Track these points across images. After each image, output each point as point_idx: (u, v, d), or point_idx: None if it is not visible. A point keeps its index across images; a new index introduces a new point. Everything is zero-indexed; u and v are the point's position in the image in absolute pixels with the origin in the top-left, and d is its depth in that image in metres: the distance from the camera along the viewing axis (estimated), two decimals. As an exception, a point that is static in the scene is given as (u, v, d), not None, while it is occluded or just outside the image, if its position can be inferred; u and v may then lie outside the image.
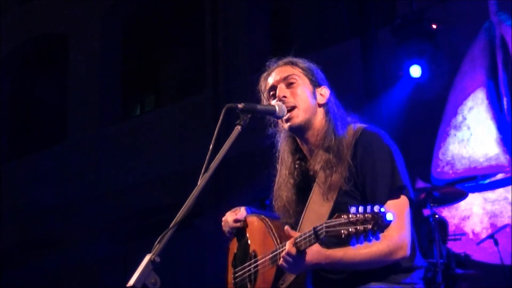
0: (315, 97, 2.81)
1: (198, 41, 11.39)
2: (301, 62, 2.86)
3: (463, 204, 7.06)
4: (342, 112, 2.84)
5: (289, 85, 2.80)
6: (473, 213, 7.38)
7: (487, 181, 7.38)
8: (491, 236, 6.42)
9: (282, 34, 11.19)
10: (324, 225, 2.37)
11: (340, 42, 9.30)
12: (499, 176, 7.32)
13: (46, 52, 13.27)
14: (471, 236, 7.21)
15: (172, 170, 10.61)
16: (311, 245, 2.48)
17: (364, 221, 2.24)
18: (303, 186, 2.84)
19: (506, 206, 7.18)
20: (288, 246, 2.53)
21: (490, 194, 7.34)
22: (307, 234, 2.48)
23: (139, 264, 2.26)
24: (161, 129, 11.18)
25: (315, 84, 2.82)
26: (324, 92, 2.83)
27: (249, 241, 2.97)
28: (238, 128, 2.63)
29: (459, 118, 7.70)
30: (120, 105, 12.42)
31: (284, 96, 2.78)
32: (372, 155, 2.68)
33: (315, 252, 2.53)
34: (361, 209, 2.26)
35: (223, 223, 3.08)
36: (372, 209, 2.24)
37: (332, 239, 2.39)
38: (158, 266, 2.26)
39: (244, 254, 2.98)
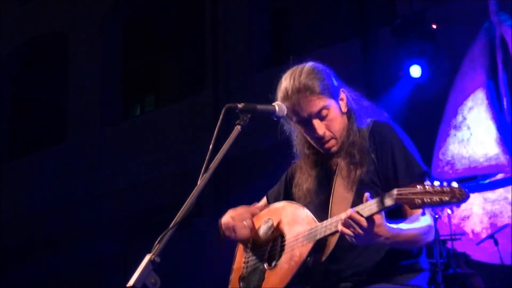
0: (341, 110, 2.85)
1: (198, 41, 11.39)
2: (316, 83, 2.80)
3: (463, 204, 7.06)
4: (359, 103, 2.89)
5: (322, 117, 2.80)
6: (473, 213, 7.38)
7: (487, 181, 7.38)
8: (491, 236, 6.42)
9: (282, 34, 11.19)
10: (396, 191, 2.36)
11: (340, 42, 9.30)
12: (499, 176, 7.33)
13: (46, 52, 13.28)
14: (471, 236, 7.21)
15: (172, 170, 10.61)
16: (372, 213, 2.42)
17: (441, 193, 2.28)
18: (322, 177, 2.87)
19: (506, 206, 7.18)
20: (350, 211, 2.45)
21: (490, 194, 7.34)
22: (369, 202, 2.44)
23: (139, 264, 2.26)
24: (161, 129, 11.18)
25: (336, 96, 2.84)
26: (343, 97, 2.86)
27: (274, 225, 2.93)
28: (238, 128, 2.63)
29: (459, 118, 7.70)
30: (120, 105, 12.43)
31: (324, 135, 2.80)
32: (389, 147, 2.74)
33: (380, 223, 2.46)
34: (437, 183, 2.31)
35: (229, 226, 2.96)
36: (449, 184, 2.30)
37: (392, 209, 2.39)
38: (158, 266, 2.26)
39: (263, 240, 2.94)
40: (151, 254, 2.27)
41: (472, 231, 7.31)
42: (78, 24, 12.43)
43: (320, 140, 2.82)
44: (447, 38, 7.85)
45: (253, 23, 10.70)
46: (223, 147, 2.55)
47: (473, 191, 7.13)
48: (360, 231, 2.44)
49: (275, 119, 2.80)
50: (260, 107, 2.73)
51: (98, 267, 11.10)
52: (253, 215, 3.03)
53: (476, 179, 7.41)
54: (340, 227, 2.48)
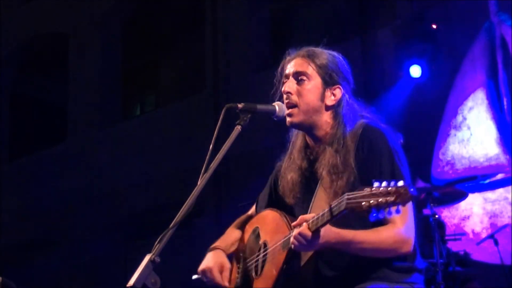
0: (323, 98, 2.80)
1: (198, 42, 11.39)
2: (321, 57, 2.83)
3: (463, 204, 7.07)
4: (355, 110, 2.83)
5: (299, 81, 2.80)
6: (473, 213, 7.38)
7: (487, 181, 7.38)
8: (491, 236, 6.42)
9: (282, 34, 11.19)
10: (346, 196, 2.34)
11: (340, 42, 9.29)
12: (499, 176, 7.32)
13: (46, 52, 13.27)
14: (471, 236, 7.21)
15: (172, 170, 10.60)
16: (324, 223, 2.47)
17: (387, 194, 2.25)
18: (308, 174, 2.85)
19: (506, 206, 7.18)
20: (303, 226, 2.51)
21: (490, 194, 7.34)
22: (321, 213, 2.48)
23: (139, 264, 2.26)
24: (161, 129, 11.18)
25: (328, 83, 2.80)
26: (336, 92, 2.81)
27: (260, 234, 2.95)
28: (238, 128, 2.64)
29: (459, 118, 7.70)
30: (120, 105, 12.42)
31: (289, 92, 2.80)
32: (375, 153, 2.69)
33: (325, 229, 2.52)
34: (384, 183, 2.27)
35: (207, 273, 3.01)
36: (395, 183, 2.26)
37: (350, 215, 2.38)
38: (158, 266, 2.26)
39: (252, 249, 2.97)
40: (151, 254, 2.28)
41: (472, 231, 7.31)
42: (78, 24, 12.42)
43: (285, 99, 2.81)
44: (447, 38, 7.84)
45: (253, 23, 10.69)
46: (223, 147, 2.55)
47: (473, 191, 7.13)
48: (305, 244, 2.52)
49: (275, 119, 2.80)
50: (260, 107, 2.74)
51: (98, 267, 11.10)
52: (244, 223, 3.09)
53: (476, 179, 7.41)
54: (291, 244, 2.55)
